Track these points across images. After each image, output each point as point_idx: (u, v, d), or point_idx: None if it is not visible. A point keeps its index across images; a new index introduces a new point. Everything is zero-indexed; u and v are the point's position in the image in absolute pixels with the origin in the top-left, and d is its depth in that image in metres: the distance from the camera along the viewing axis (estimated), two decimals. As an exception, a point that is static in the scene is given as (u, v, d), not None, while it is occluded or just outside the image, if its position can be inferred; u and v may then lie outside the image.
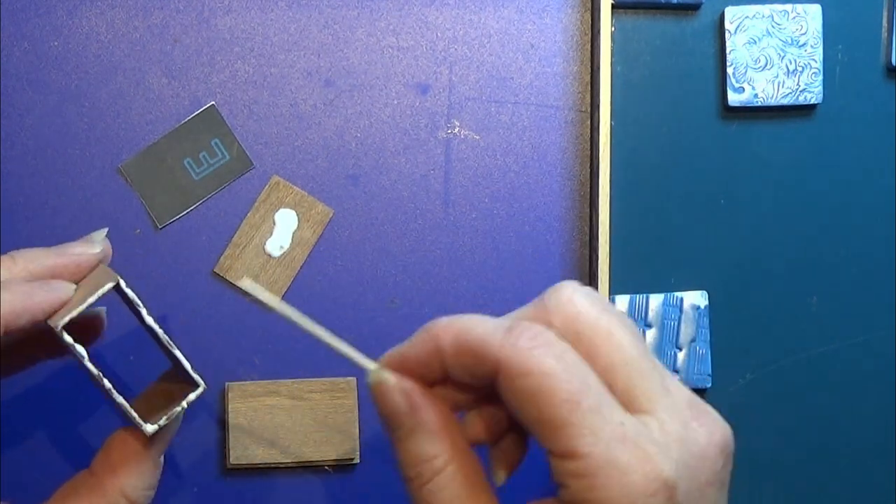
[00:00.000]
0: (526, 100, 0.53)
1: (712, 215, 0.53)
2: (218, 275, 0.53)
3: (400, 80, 0.53)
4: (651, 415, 0.35)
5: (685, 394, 0.37)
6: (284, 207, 0.53)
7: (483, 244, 0.53)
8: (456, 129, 0.53)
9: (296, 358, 0.53)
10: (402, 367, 0.38)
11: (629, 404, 0.36)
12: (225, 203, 0.53)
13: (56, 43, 0.52)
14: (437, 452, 0.37)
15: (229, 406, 0.52)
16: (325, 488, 0.53)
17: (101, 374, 0.42)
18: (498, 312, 0.38)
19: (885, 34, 0.53)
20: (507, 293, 0.53)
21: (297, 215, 0.53)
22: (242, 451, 0.52)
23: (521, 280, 0.53)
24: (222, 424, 0.52)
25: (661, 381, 0.36)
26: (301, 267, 0.53)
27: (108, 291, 0.42)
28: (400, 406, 0.37)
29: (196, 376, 0.44)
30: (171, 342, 0.44)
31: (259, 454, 0.52)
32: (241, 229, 0.53)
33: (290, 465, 0.52)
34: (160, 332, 0.43)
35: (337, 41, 0.53)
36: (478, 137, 0.53)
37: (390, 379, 0.38)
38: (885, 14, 0.53)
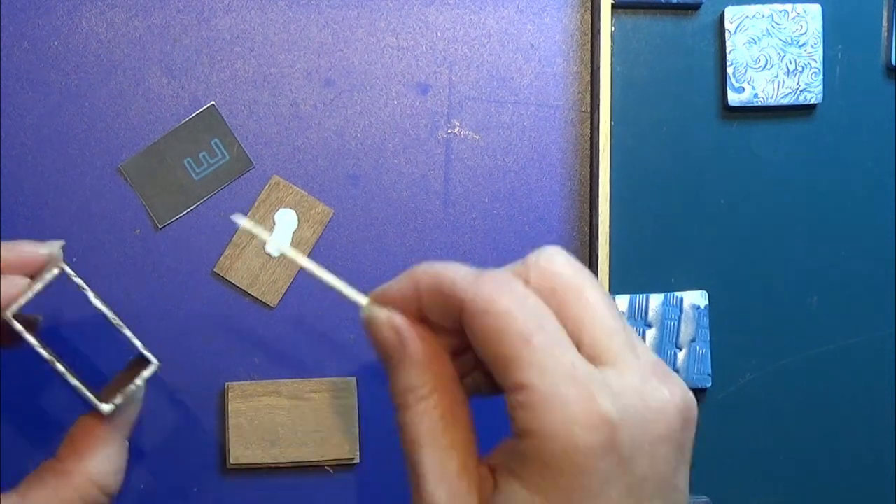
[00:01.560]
0: (526, 100, 0.53)
1: (712, 215, 0.53)
2: (218, 275, 0.53)
3: (400, 80, 0.53)
4: (612, 367, 0.37)
5: (652, 357, 0.39)
6: (284, 207, 0.53)
7: (483, 244, 0.53)
8: (456, 129, 0.53)
9: (296, 358, 0.53)
10: (384, 303, 0.41)
11: (594, 358, 0.38)
12: (225, 203, 0.53)
13: (56, 43, 0.52)
14: (421, 383, 0.39)
15: (229, 406, 0.52)
16: (325, 488, 0.53)
17: (53, 359, 0.43)
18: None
19: (885, 34, 0.53)
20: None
21: (297, 215, 0.53)
22: (242, 451, 0.52)
23: (521, 280, 0.53)
24: (222, 424, 0.52)
25: (628, 340, 0.38)
26: (301, 267, 0.53)
27: (55, 278, 0.43)
28: (389, 339, 0.40)
29: (148, 354, 0.45)
30: (120, 323, 0.45)
31: (259, 454, 0.52)
32: (241, 229, 0.53)
33: (290, 465, 0.52)
34: (109, 313, 0.44)
35: (337, 41, 0.53)
36: (478, 137, 0.53)
37: (381, 314, 0.41)
38: (885, 14, 0.53)
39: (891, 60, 0.52)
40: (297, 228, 0.53)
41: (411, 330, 0.40)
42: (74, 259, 0.52)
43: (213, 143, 0.53)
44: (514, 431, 0.37)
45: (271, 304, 0.53)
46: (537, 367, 0.36)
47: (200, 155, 0.53)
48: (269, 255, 0.53)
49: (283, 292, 0.53)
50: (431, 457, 0.38)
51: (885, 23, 0.53)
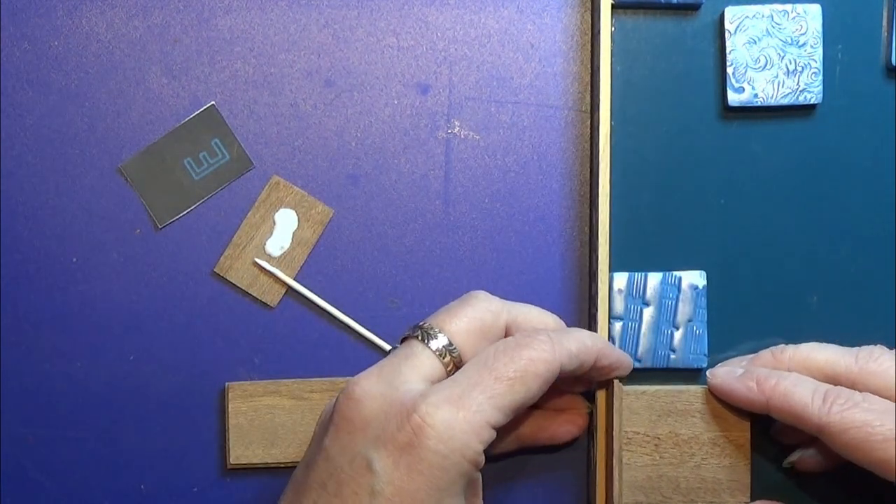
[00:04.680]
0: (526, 100, 0.53)
1: (712, 215, 0.53)
2: (218, 275, 0.53)
3: (400, 80, 0.53)
4: None
5: None
6: (284, 207, 0.53)
7: (483, 244, 0.53)
8: (456, 129, 0.53)
9: (296, 358, 0.53)
10: (728, 400, 0.50)
11: None
12: (225, 203, 0.53)
13: (56, 43, 0.52)
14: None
15: (229, 406, 0.52)
16: (325, 488, 0.53)
17: None
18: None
19: (885, 34, 0.53)
20: (507, 293, 0.53)
21: (297, 215, 0.53)
22: (242, 451, 0.52)
23: (521, 280, 0.53)
24: (222, 424, 0.52)
25: None
26: (301, 267, 0.53)
27: None
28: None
29: None
30: None
31: (259, 454, 0.52)
32: (241, 229, 0.53)
33: (290, 465, 0.52)
34: None
35: (337, 41, 0.53)
36: (478, 137, 0.53)
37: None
38: (884, 14, 0.53)
39: (891, 60, 0.52)
40: (297, 228, 0.53)
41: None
42: (74, 259, 0.52)
43: (213, 143, 0.53)
44: None
45: (271, 304, 0.53)
46: None
47: (200, 155, 0.53)
48: (269, 254, 0.53)
49: (283, 292, 0.53)
50: None
51: (884, 22, 0.53)
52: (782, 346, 0.50)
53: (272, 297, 0.53)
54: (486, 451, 0.43)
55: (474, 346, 0.45)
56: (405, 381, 0.43)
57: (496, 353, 0.44)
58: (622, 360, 0.49)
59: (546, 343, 0.44)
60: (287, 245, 0.53)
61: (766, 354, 0.50)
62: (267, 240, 0.53)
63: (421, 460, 0.41)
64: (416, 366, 0.44)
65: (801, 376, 0.48)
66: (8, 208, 0.52)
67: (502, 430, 0.44)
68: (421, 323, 0.46)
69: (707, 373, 0.51)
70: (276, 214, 0.53)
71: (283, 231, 0.53)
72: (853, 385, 0.47)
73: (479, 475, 0.44)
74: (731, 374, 0.50)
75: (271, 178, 0.53)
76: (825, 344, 0.50)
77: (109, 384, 0.52)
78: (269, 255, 0.53)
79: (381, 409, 0.42)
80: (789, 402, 0.46)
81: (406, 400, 0.42)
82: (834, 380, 0.48)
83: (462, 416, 0.41)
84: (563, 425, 0.51)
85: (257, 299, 0.53)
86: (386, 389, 0.43)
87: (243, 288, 0.53)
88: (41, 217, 0.52)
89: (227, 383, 0.52)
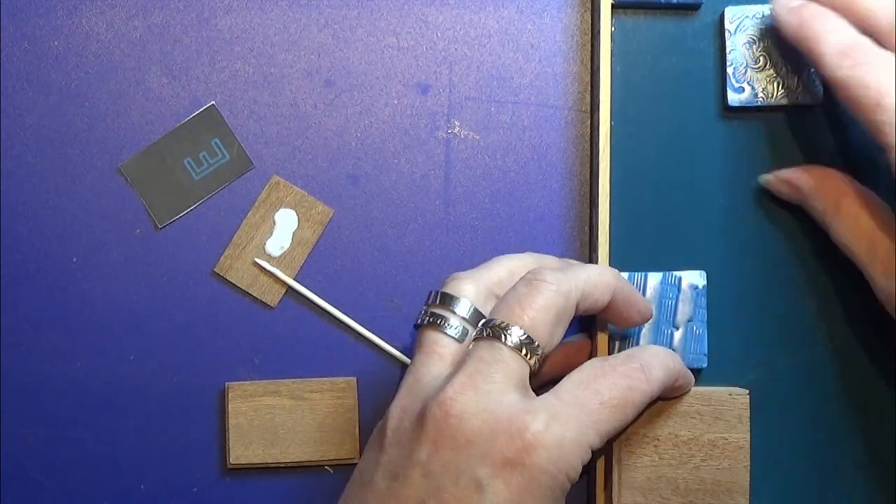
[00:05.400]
0: (526, 100, 0.53)
1: (712, 215, 0.53)
2: (218, 275, 0.53)
3: (400, 80, 0.53)
4: None
5: None
6: (284, 207, 0.53)
7: (483, 244, 0.53)
8: (456, 129, 0.53)
9: (296, 358, 0.53)
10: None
11: None
12: (225, 203, 0.53)
13: (56, 43, 0.52)
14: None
15: (229, 406, 0.52)
16: (325, 488, 0.53)
17: None
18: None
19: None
20: (507, 293, 0.53)
21: (297, 215, 0.53)
22: (242, 451, 0.52)
23: (521, 280, 0.53)
24: (222, 424, 0.52)
25: None
26: (301, 267, 0.53)
27: None
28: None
29: None
30: None
31: (259, 454, 0.52)
32: (241, 229, 0.53)
33: (290, 465, 0.52)
34: None
35: (337, 41, 0.53)
36: (478, 137, 0.53)
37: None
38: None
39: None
40: (297, 228, 0.53)
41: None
42: (74, 259, 0.52)
43: (213, 143, 0.53)
44: None
45: (271, 304, 0.53)
46: None
47: (200, 155, 0.53)
48: (269, 254, 0.53)
49: (283, 292, 0.53)
50: None
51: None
52: None
53: (272, 297, 0.53)
54: None
55: (552, 335, 0.44)
56: (502, 391, 0.42)
57: (596, 375, 0.44)
58: (689, 378, 0.49)
59: (641, 373, 0.44)
60: (287, 245, 0.53)
61: None
62: (267, 240, 0.53)
63: (532, 479, 0.40)
64: (506, 373, 0.43)
65: (838, 22, 0.48)
66: (8, 208, 0.52)
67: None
68: (490, 319, 0.44)
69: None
70: (276, 214, 0.53)
71: (283, 231, 0.53)
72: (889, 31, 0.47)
73: None
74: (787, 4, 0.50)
75: (271, 178, 0.53)
76: None
77: (109, 384, 0.52)
78: (269, 255, 0.53)
79: (487, 426, 0.41)
80: (813, 46, 0.47)
81: (512, 416, 0.41)
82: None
83: (570, 437, 0.41)
84: (577, 355, 0.51)
85: (257, 299, 0.53)
86: (487, 404, 0.42)
87: (243, 288, 0.53)
88: (41, 217, 0.52)
89: (227, 383, 0.52)
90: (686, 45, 0.53)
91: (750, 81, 0.52)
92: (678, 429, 0.50)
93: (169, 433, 0.52)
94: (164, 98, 0.52)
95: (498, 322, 0.44)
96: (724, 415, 0.50)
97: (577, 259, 0.53)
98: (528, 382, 0.44)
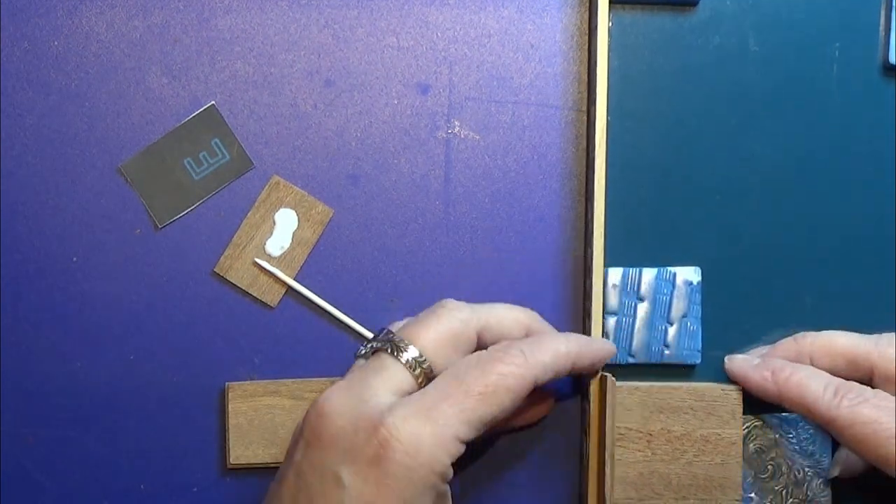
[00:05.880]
0: (526, 100, 0.53)
1: (707, 212, 0.53)
2: (218, 275, 0.53)
3: (400, 80, 0.53)
4: None
5: None
6: (284, 207, 0.53)
7: (483, 244, 0.53)
8: (456, 129, 0.53)
9: (296, 358, 0.53)
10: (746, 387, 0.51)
11: None
12: (225, 203, 0.53)
13: (56, 43, 0.52)
14: None
15: (229, 406, 0.52)
16: (325, 488, 0.52)
17: None
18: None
19: (882, 32, 0.53)
20: (507, 293, 0.53)
21: (297, 215, 0.53)
22: (242, 451, 0.52)
23: (520, 280, 0.53)
24: (222, 424, 0.52)
25: None
26: (301, 267, 0.53)
27: None
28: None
29: None
30: None
31: (259, 454, 0.52)
32: (241, 229, 0.53)
33: (290, 465, 0.52)
34: None
35: (337, 41, 0.53)
36: (478, 137, 0.53)
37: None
38: (882, 12, 0.53)
39: (888, 58, 0.53)
40: (297, 228, 0.53)
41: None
42: (74, 259, 0.52)
43: (213, 143, 0.53)
44: None
45: (271, 304, 0.53)
46: None
47: (200, 155, 0.53)
48: (269, 254, 0.53)
49: (283, 292, 0.53)
50: None
51: (882, 21, 0.53)
52: (804, 332, 0.51)
53: (272, 297, 0.53)
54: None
55: (446, 357, 0.45)
56: (374, 394, 0.43)
57: (468, 366, 0.44)
58: (601, 354, 0.48)
59: (518, 357, 0.44)
60: (287, 245, 0.53)
61: (787, 341, 0.51)
62: (267, 240, 0.53)
63: (388, 474, 0.41)
64: (385, 379, 0.44)
65: (815, 370, 0.48)
66: (8, 208, 0.52)
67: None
68: (389, 334, 0.46)
69: (725, 358, 0.52)
70: (276, 214, 0.53)
71: (283, 231, 0.53)
72: (871, 370, 0.48)
73: (448, 487, 0.44)
74: (748, 362, 0.50)
75: (271, 178, 0.53)
76: (846, 332, 0.51)
77: (109, 384, 0.52)
78: (269, 255, 0.53)
79: (350, 424, 0.42)
80: (801, 394, 0.47)
81: (374, 414, 0.42)
82: (853, 363, 0.49)
83: (430, 429, 0.41)
84: (531, 408, 0.51)
85: (257, 299, 0.53)
86: (355, 404, 0.43)
87: (243, 288, 0.53)
88: (41, 217, 0.52)
89: (227, 383, 0.52)
90: (684, 40, 0.53)
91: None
92: (671, 424, 0.50)
93: (169, 433, 0.52)
94: (164, 98, 0.53)
95: (396, 339, 0.45)
96: (717, 410, 0.50)
97: (578, 259, 0.53)
98: (408, 392, 0.44)
